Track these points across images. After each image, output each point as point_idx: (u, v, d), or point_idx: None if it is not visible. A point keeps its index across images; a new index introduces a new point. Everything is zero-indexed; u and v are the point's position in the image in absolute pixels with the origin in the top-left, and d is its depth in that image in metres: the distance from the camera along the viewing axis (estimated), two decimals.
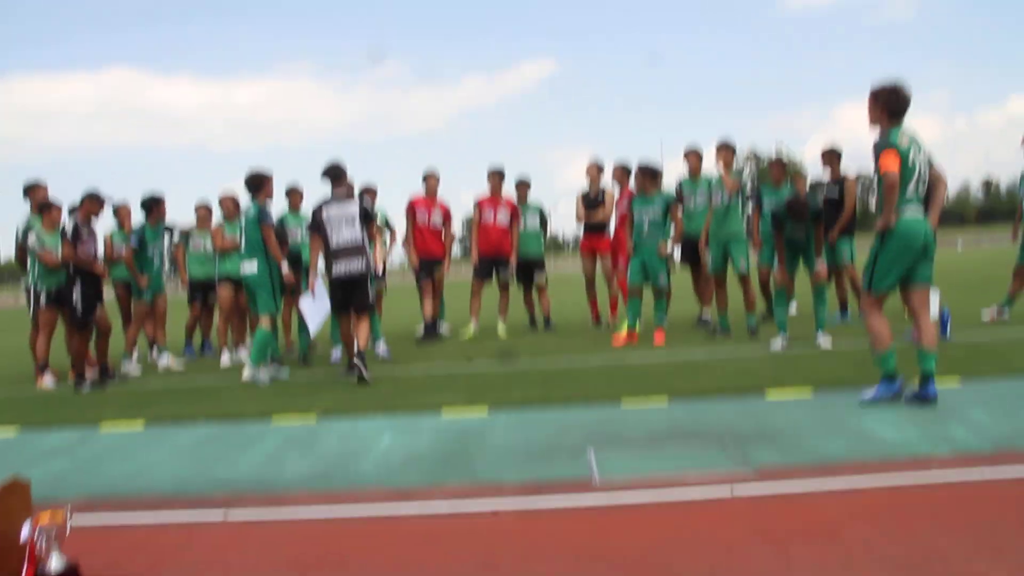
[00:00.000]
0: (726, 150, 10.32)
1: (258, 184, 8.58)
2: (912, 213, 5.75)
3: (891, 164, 5.62)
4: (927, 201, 6.05)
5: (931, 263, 5.88)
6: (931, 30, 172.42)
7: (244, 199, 9.15)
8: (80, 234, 8.79)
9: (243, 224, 8.60)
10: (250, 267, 8.52)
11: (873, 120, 5.87)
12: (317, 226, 8.22)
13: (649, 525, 3.77)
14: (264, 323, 8.56)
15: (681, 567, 3.22)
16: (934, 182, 5.99)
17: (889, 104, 5.78)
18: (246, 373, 8.45)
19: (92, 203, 9.05)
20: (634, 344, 9.57)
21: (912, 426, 5.13)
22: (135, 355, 10.22)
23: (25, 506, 3.32)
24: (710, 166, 10.71)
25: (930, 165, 5.91)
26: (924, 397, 5.65)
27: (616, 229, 11.33)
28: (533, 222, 11.81)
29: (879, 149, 5.72)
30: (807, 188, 9.75)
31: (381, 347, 9.67)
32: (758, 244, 10.23)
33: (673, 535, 3.60)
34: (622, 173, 11.27)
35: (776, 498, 4.02)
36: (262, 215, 8.50)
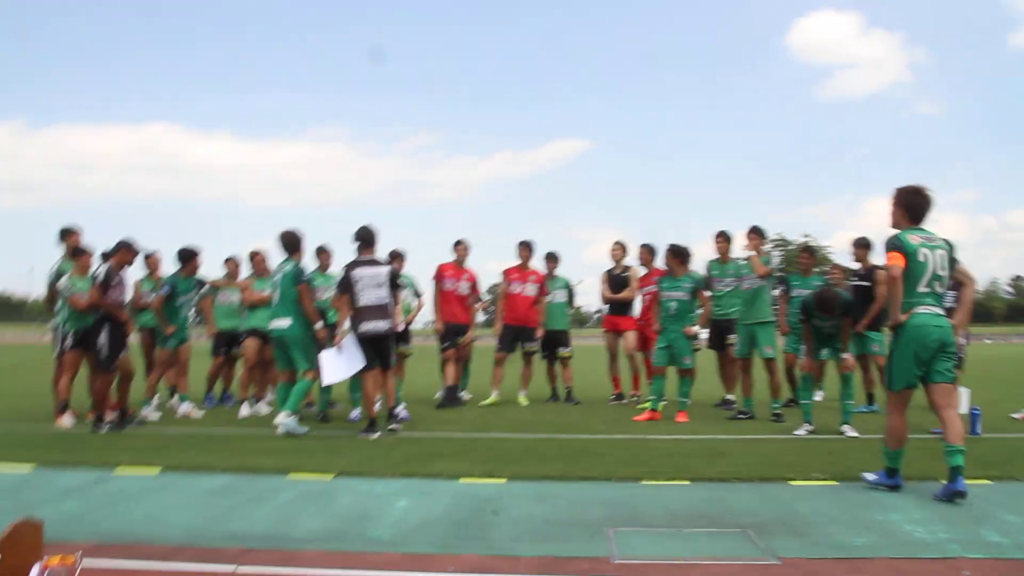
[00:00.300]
0: (756, 235, 10.31)
1: (295, 244, 8.89)
2: (925, 310, 5.86)
3: (895, 261, 5.85)
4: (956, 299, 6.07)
5: (950, 360, 5.92)
6: (961, 127, 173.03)
7: (274, 256, 9.30)
8: (111, 280, 8.87)
9: (279, 281, 8.71)
10: (283, 323, 8.64)
11: (894, 221, 6.10)
12: (347, 286, 8.34)
13: None
14: (308, 376, 8.77)
15: None
16: (961, 281, 6.20)
17: (908, 206, 6.02)
18: (281, 420, 8.49)
19: (126, 252, 9.19)
20: (656, 422, 9.47)
21: (943, 525, 4.99)
22: (155, 401, 10.22)
23: (36, 546, 3.29)
24: (738, 251, 10.73)
25: (954, 265, 6.03)
26: (954, 492, 5.57)
27: (643, 309, 11.31)
28: (560, 296, 11.91)
29: (887, 248, 5.97)
30: (844, 277, 9.76)
31: (401, 410, 9.64)
32: (785, 330, 10.19)
33: None
34: (647, 253, 11.32)
35: None
36: (299, 274, 8.74)
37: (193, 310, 10.71)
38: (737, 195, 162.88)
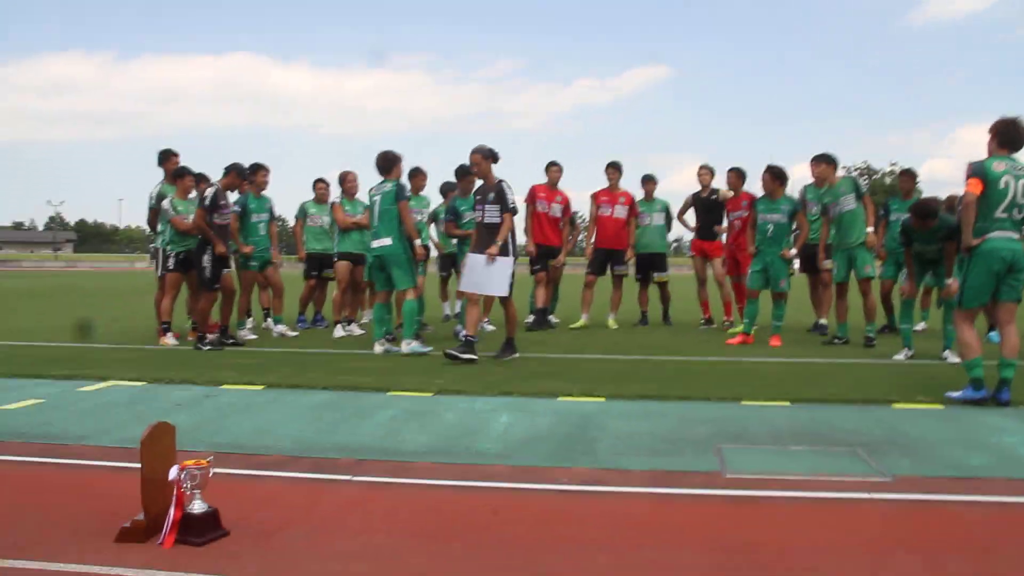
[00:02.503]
0: (823, 163, 9.98)
1: (392, 164, 8.85)
2: (1000, 234, 6.13)
3: (972, 187, 6.13)
4: None
5: (1018, 282, 6.21)
6: None
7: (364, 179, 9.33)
8: (218, 201, 9.04)
9: (378, 200, 8.74)
10: (385, 242, 8.67)
11: (989, 150, 6.31)
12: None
13: (786, 522, 3.62)
14: (410, 295, 8.79)
15: (826, 567, 3.07)
16: None
17: (1000, 135, 6.26)
18: (405, 348, 8.63)
19: (235, 175, 9.37)
20: (749, 345, 9.37)
21: None
22: (249, 322, 10.46)
23: (172, 448, 3.40)
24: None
25: None
26: (998, 400, 6.03)
27: (734, 234, 11.10)
28: (659, 219, 11.81)
29: (968, 173, 6.22)
30: (950, 206, 9.40)
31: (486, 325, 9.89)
32: (883, 256, 9.91)
33: (812, 535, 3.45)
34: (736, 178, 11.04)
35: (919, 508, 3.83)
36: (400, 192, 8.72)
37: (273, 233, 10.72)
38: (823, 123, 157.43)
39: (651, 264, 11.88)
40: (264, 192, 10.52)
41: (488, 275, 8.19)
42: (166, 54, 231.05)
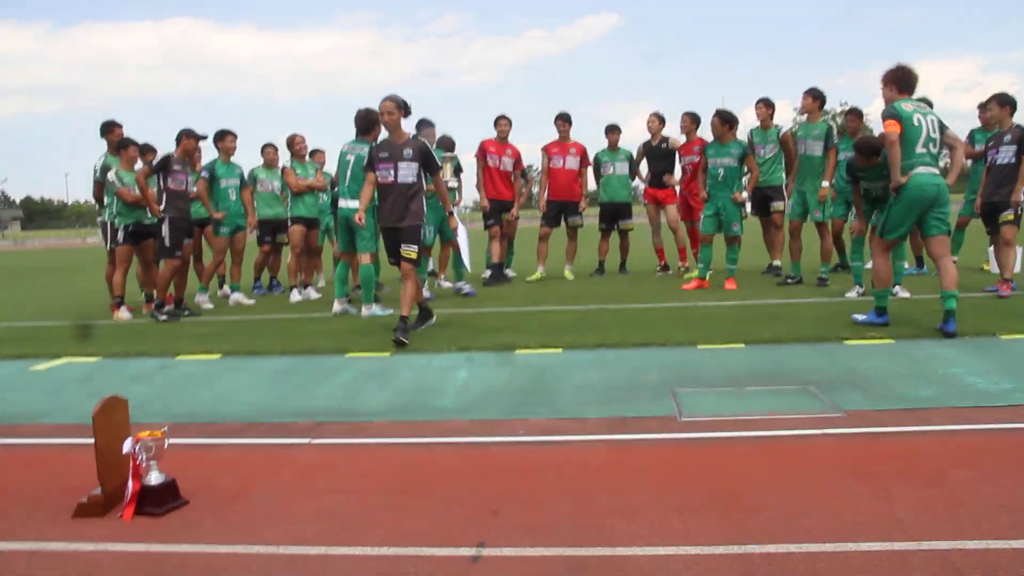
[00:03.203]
0: (764, 105, 10.43)
1: (372, 124, 8.68)
2: (923, 170, 6.53)
3: (891, 127, 6.54)
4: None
5: (945, 215, 6.63)
6: None
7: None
8: (170, 166, 8.92)
9: (351, 162, 8.60)
10: (353, 203, 8.46)
11: (886, 97, 6.83)
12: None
13: (740, 462, 3.71)
14: (365, 260, 8.60)
15: (780, 503, 3.15)
16: (951, 145, 6.95)
17: (897, 79, 6.79)
18: (365, 312, 8.55)
19: (188, 139, 9.22)
20: (705, 290, 9.48)
21: (1005, 376, 4.99)
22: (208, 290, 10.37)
23: (125, 421, 3.38)
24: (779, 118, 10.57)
25: (944, 130, 6.76)
26: (945, 332, 6.29)
27: (688, 178, 11.14)
28: (622, 168, 11.77)
29: (884, 116, 6.67)
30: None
31: (464, 285, 9.88)
32: (832, 196, 10.04)
33: (766, 473, 3.53)
34: (690, 122, 11.06)
35: (869, 441, 3.94)
36: None
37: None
38: (777, 63, 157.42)
39: (616, 213, 11.89)
40: (232, 158, 10.38)
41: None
42: (104, 21, 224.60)
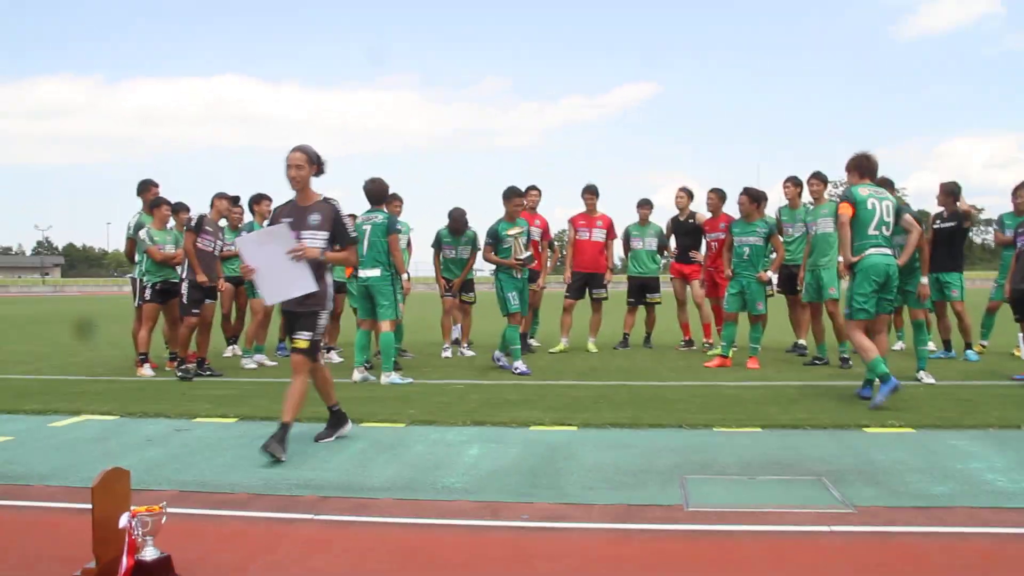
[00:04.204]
0: (817, 180, 10.33)
1: (384, 194, 8.99)
2: (874, 251, 7.14)
3: (844, 209, 7.20)
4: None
5: (891, 294, 7.30)
6: None
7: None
8: (203, 226, 9.12)
9: (368, 231, 8.74)
10: (374, 272, 8.69)
11: (848, 182, 7.46)
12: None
13: (745, 558, 3.62)
14: (387, 327, 8.75)
15: None
16: (907, 229, 7.54)
17: (858, 167, 7.42)
18: (385, 380, 8.62)
19: (221, 200, 9.48)
20: (727, 368, 9.40)
21: None
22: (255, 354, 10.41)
23: (125, 494, 3.38)
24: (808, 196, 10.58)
25: (900, 215, 7.39)
26: (861, 396, 7.21)
27: (714, 255, 11.15)
28: (651, 243, 11.87)
29: (840, 199, 7.33)
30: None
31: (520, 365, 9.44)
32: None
33: (771, 568, 3.46)
34: (717, 198, 11.10)
35: (879, 541, 3.84)
36: (392, 225, 8.79)
37: None
38: (811, 140, 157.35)
39: (644, 287, 11.96)
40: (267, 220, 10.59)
41: (290, 275, 5.66)
42: (153, 76, 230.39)
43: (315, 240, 5.76)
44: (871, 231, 7.15)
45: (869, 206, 7.15)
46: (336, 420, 6.19)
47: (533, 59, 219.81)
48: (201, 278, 9.08)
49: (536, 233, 11.28)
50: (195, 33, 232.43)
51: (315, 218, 5.81)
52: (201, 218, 9.17)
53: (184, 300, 9.14)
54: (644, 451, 5.49)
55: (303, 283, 5.65)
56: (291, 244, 5.61)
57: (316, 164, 5.87)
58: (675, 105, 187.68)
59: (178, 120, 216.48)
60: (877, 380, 6.93)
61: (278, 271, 5.64)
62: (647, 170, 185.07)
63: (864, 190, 7.25)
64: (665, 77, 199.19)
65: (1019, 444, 5.64)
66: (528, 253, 9.66)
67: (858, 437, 5.89)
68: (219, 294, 9.86)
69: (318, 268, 5.75)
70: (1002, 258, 10.31)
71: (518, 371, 9.20)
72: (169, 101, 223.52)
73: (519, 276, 9.60)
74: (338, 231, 5.87)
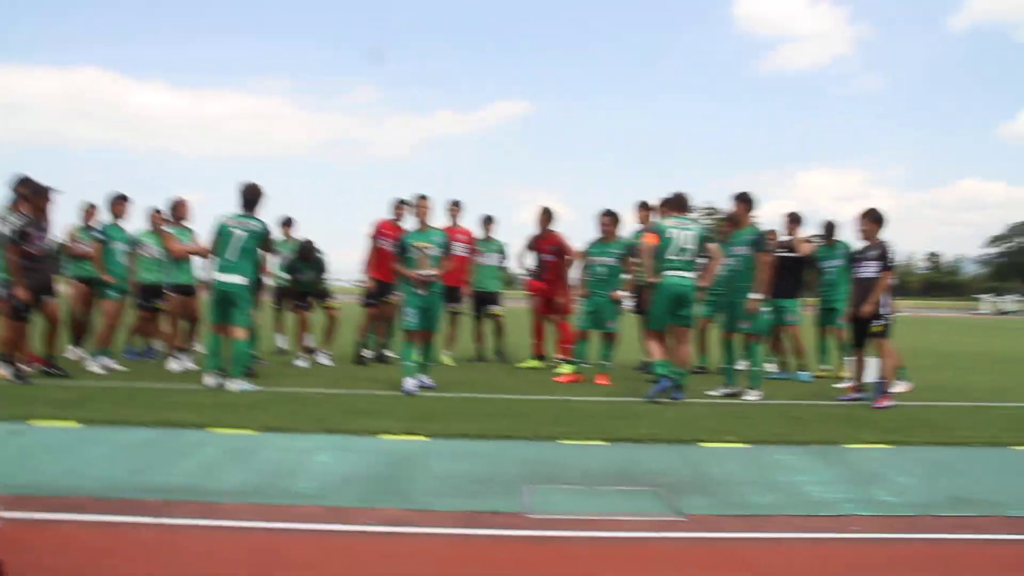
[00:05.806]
0: (643, 209, 11.14)
1: (259, 200, 8.87)
2: (671, 273, 8.47)
3: (648, 239, 8.74)
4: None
5: (689, 310, 8.65)
6: (898, 106, 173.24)
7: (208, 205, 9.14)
8: (29, 226, 8.63)
9: (242, 237, 8.61)
10: (237, 279, 8.59)
11: (663, 215, 9.07)
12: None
13: (581, 562, 3.84)
14: (241, 334, 8.64)
15: None
16: (710, 256, 8.77)
17: (671, 204, 8.98)
18: (234, 386, 8.46)
19: (35, 196, 8.89)
20: (578, 384, 9.68)
21: (842, 486, 5.28)
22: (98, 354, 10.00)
23: None
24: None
25: (703, 243, 8.62)
26: (651, 396, 8.34)
27: (548, 270, 11.50)
28: (494, 259, 12.08)
29: (646, 230, 8.99)
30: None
31: (425, 379, 9.24)
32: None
33: (601, 571, 3.67)
34: (545, 216, 11.64)
35: (707, 547, 4.12)
36: (267, 235, 8.84)
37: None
38: (673, 162, 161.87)
39: (485, 301, 12.18)
40: (121, 221, 10.28)
41: None
42: (6, 63, 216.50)
43: None
44: (671, 256, 8.47)
45: (670, 235, 8.51)
46: None
47: (404, 71, 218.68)
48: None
49: (462, 249, 11.37)
50: (53, 19, 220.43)
51: None
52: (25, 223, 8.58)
53: (15, 301, 8.58)
54: (491, 461, 5.66)
55: None
56: None
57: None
58: (544, 124, 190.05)
59: (33, 111, 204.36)
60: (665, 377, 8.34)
61: None
62: (517, 187, 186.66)
63: (670, 221, 8.71)
64: (535, 96, 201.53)
65: (840, 459, 6.10)
66: (431, 271, 9.04)
67: (696, 451, 6.22)
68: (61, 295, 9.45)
69: None
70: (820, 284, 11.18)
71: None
72: (23, 90, 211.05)
73: (423, 293, 9.00)
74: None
